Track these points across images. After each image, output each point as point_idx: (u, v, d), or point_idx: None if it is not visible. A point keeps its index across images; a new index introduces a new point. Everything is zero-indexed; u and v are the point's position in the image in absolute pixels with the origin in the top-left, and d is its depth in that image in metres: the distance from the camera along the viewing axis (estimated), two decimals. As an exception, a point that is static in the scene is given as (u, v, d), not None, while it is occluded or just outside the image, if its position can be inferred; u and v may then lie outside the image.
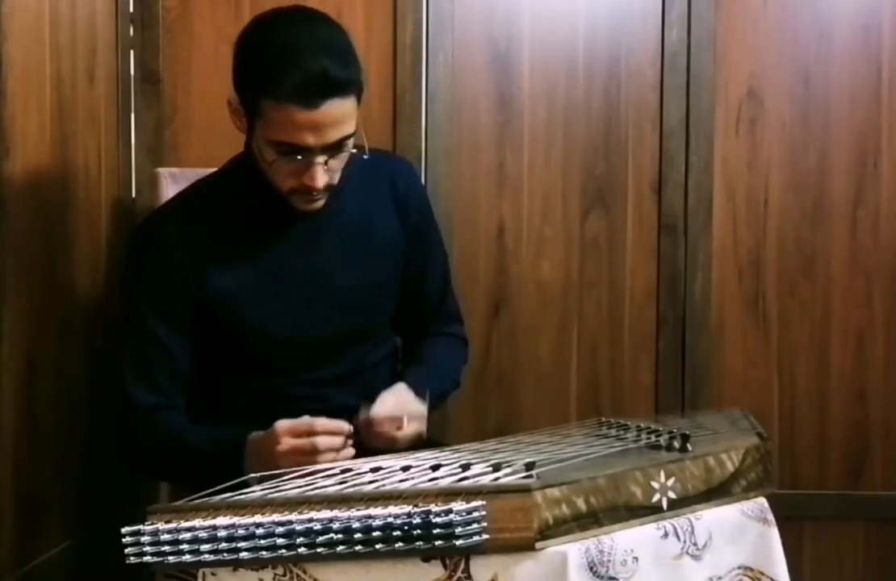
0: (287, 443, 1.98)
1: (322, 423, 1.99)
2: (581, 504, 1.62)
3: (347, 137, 2.04)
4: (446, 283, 2.42)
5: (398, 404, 2.10)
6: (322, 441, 1.97)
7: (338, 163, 2.07)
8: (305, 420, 1.99)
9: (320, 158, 2.03)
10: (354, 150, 2.08)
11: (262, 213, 2.15)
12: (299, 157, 2.02)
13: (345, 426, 2.00)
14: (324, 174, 2.04)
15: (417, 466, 1.78)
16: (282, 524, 1.62)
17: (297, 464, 1.93)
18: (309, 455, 1.96)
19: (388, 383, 2.17)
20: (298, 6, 2.17)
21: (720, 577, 1.76)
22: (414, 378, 2.20)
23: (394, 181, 2.28)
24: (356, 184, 2.18)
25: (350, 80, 2.02)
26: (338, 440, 1.99)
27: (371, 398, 2.10)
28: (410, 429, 2.08)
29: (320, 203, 2.11)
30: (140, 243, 2.19)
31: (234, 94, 2.09)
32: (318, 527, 1.61)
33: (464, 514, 1.55)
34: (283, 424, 1.99)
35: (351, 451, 2.00)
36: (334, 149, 2.04)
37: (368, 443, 2.07)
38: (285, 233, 2.16)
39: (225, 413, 2.18)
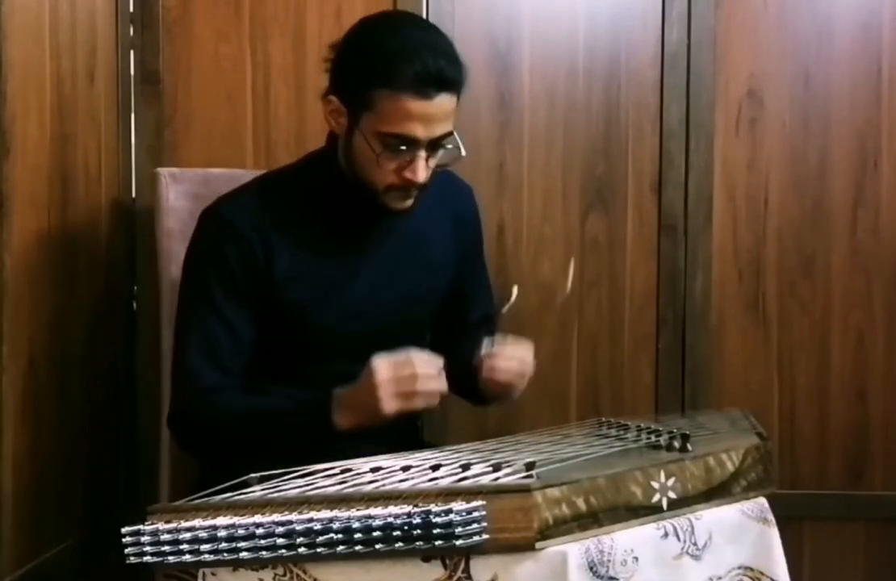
0: (387, 372, 2.00)
1: (417, 353, 2.03)
2: (581, 504, 1.62)
3: (448, 135, 2.11)
4: (488, 308, 2.44)
5: (516, 347, 2.19)
6: (421, 368, 2.01)
7: (434, 162, 2.13)
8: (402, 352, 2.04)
9: (424, 153, 2.08)
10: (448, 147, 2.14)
11: (334, 209, 2.19)
12: (404, 149, 2.07)
13: (439, 360, 2.04)
14: (424, 169, 2.09)
15: (417, 466, 1.78)
16: (282, 524, 1.62)
17: (396, 393, 1.98)
18: (409, 382, 2.00)
19: None
20: (404, 12, 2.25)
21: (720, 577, 1.76)
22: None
23: (456, 202, 2.35)
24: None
25: (460, 78, 2.11)
26: (434, 369, 2.02)
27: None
28: (526, 368, 2.18)
29: (410, 202, 2.15)
30: (213, 223, 2.21)
31: (335, 93, 2.13)
32: (318, 527, 1.61)
33: (464, 514, 1.55)
34: (380, 358, 2.02)
35: (445, 384, 2.04)
36: (436, 145, 2.10)
37: (487, 380, 2.16)
38: (350, 232, 2.20)
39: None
